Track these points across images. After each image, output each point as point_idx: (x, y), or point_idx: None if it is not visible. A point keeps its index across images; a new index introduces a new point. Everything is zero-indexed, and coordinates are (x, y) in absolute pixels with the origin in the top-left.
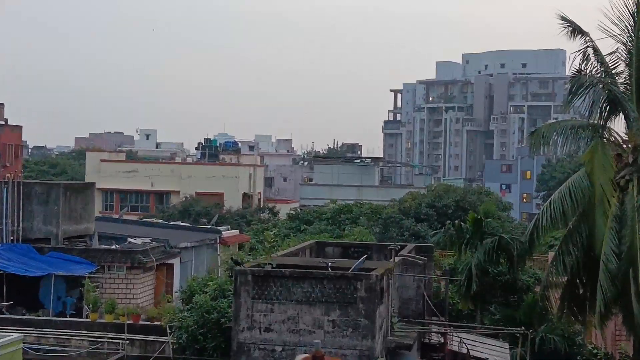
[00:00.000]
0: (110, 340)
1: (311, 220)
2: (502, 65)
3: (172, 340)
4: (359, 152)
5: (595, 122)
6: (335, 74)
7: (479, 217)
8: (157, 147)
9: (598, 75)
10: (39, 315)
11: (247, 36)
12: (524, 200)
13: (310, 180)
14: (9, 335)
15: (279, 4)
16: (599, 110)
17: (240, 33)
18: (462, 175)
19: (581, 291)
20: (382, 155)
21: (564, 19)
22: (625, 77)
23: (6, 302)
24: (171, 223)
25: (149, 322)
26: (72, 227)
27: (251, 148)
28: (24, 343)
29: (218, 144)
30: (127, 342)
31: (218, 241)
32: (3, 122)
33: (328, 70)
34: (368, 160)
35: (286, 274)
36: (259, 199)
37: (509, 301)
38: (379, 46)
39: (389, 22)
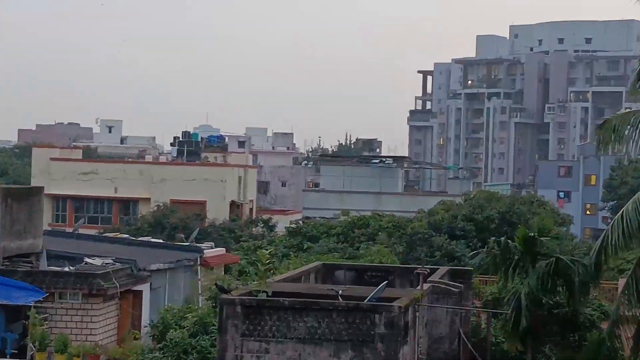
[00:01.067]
0: None
1: (317, 236)
2: (561, 41)
3: None
4: (377, 150)
5: None
6: (348, 54)
7: (531, 234)
8: (122, 143)
9: None
10: None
11: (236, 12)
12: (588, 213)
13: (316, 185)
14: None
15: None
16: None
17: (230, 8)
18: (508, 180)
19: None
20: (407, 154)
21: None
22: None
23: None
24: (139, 239)
25: None
26: (14, 243)
27: (241, 144)
28: None
29: (200, 139)
30: None
31: (199, 262)
32: None
33: (338, 51)
34: (389, 161)
35: (285, 305)
36: (251, 209)
37: (569, 340)
38: (403, 18)
39: None
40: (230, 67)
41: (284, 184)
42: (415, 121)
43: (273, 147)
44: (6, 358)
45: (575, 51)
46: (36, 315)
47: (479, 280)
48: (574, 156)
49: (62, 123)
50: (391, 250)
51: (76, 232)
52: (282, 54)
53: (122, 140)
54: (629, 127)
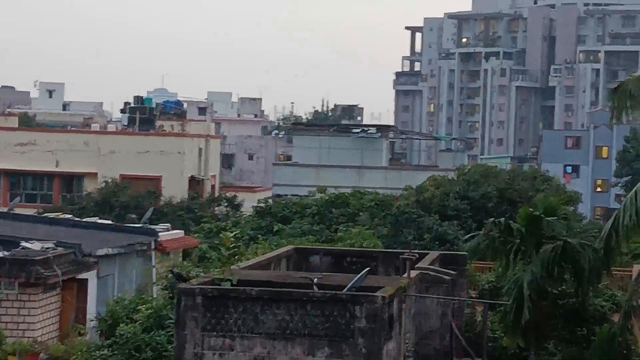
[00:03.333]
0: None
1: (289, 216)
2: None
3: None
4: (359, 117)
5: None
6: (324, 7)
7: (535, 213)
8: (64, 109)
9: None
10: None
11: None
12: (599, 189)
13: (288, 158)
14: None
15: None
16: None
17: None
18: (508, 153)
19: None
20: (392, 123)
21: None
22: None
23: None
24: (85, 220)
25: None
26: None
27: (202, 111)
28: None
29: (154, 105)
30: None
31: (153, 247)
32: None
33: (313, 4)
34: (372, 130)
35: (252, 295)
36: (213, 186)
37: (576, 335)
38: None
39: None
40: (190, 22)
41: (251, 157)
42: (402, 85)
43: (239, 115)
44: None
45: (585, 4)
46: None
47: (475, 266)
48: (583, 125)
49: None
50: (374, 233)
51: (11, 211)
52: (248, 7)
53: (65, 106)
54: None
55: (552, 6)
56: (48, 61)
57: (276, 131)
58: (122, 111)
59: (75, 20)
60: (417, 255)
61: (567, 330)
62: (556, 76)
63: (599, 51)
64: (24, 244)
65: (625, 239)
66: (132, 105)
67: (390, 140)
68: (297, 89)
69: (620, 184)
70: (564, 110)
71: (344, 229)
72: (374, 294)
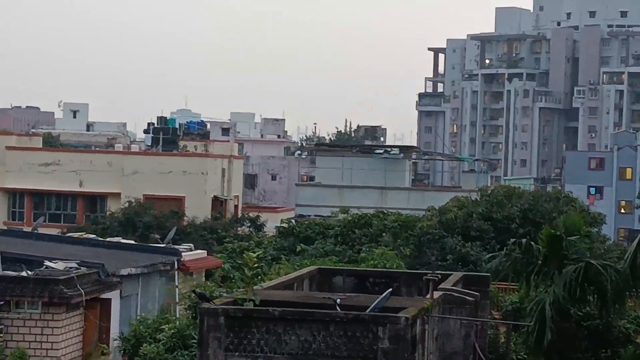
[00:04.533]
0: None
1: (312, 237)
2: (592, 14)
3: None
4: (382, 138)
5: None
6: (348, 27)
7: (558, 234)
8: (88, 130)
9: None
10: None
11: None
12: (622, 211)
13: (311, 179)
14: None
15: None
16: None
17: None
18: (532, 174)
19: None
20: (415, 144)
21: None
22: None
23: None
24: (108, 240)
25: None
26: None
27: (225, 131)
28: None
29: (177, 126)
30: None
31: (176, 267)
32: None
33: (338, 23)
34: (395, 151)
35: (275, 315)
36: (236, 206)
37: (600, 357)
38: None
39: None
40: (212, 44)
41: (274, 178)
42: (424, 106)
43: (262, 135)
44: None
45: (609, 26)
46: None
47: (498, 287)
48: (607, 147)
49: (20, 107)
50: (397, 254)
51: (35, 231)
52: (271, 26)
53: (89, 126)
54: None
55: (576, 28)
56: (72, 82)
57: (299, 152)
58: (146, 132)
59: (100, 41)
60: (440, 276)
61: (590, 352)
62: (579, 97)
63: (623, 72)
64: (47, 263)
65: None
66: (156, 125)
67: (413, 161)
68: (320, 109)
69: None
70: (587, 132)
71: (367, 249)
72: (397, 314)
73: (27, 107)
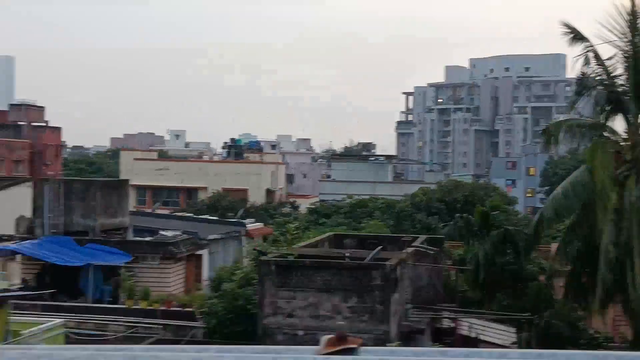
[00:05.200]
0: (145, 325)
1: (329, 214)
2: (507, 69)
3: (202, 325)
4: (373, 150)
5: (597, 121)
6: (350, 79)
7: (486, 210)
8: (186, 147)
9: (599, 78)
10: (79, 303)
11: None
12: (528, 195)
13: (329, 177)
14: (53, 321)
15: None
16: (600, 110)
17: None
18: (469, 172)
19: (583, 279)
20: (395, 154)
21: (566, 25)
22: (623, 80)
23: (49, 290)
24: (200, 217)
25: (180, 309)
26: (109, 220)
27: (273, 147)
28: (65, 328)
29: (242, 144)
30: (161, 326)
31: (243, 233)
32: (44, 124)
33: (342, 76)
34: (382, 158)
35: (307, 264)
36: (281, 195)
37: (516, 289)
38: (392, 52)
39: (400, 29)
40: (261, 87)
41: (304, 176)
42: (401, 129)
43: (296, 149)
44: (104, 304)
45: (518, 77)
46: (125, 273)
47: (449, 245)
48: (517, 154)
49: (142, 132)
50: (384, 224)
51: (154, 212)
52: (302, 77)
53: (186, 145)
54: (561, 132)
55: (496, 78)
56: (173, 113)
57: (320, 159)
58: (223, 148)
59: (190, 88)
60: (411, 238)
61: (510, 286)
62: (500, 123)
63: (527, 107)
64: (162, 232)
65: (546, 226)
66: (229, 144)
67: (393, 164)
68: (334, 132)
69: (542, 192)
70: (505, 145)
71: (365, 222)
72: (385, 263)
73: (147, 133)
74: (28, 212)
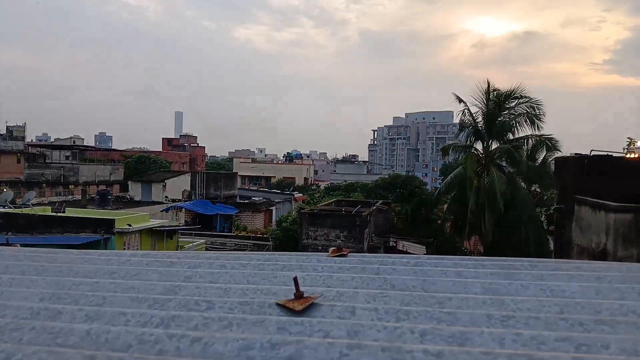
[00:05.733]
0: (244, 243)
1: (335, 190)
2: (424, 118)
3: (271, 244)
4: (357, 158)
5: (468, 144)
6: (341, 120)
7: (412, 188)
8: (265, 156)
9: (470, 121)
10: (213, 232)
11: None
12: (433, 181)
13: (334, 171)
14: (200, 240)
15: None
16: (471, 139)
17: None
18: (404, 169)
19: (459, 223)
20: (367, 160)
21: (455, 95)
22: (481, 123)
23: (198, 226)
24: (272, 190)
25: (261, 235)
26: (227, 192)
27: (307, 156)
28: (205, 244)
29: (293, 154)
30: (252, 243)
31: (292, 199)
32: (196, 145)
33: (335, 119)
34: (361, 162)
35: (323, 214)
36: (311, 180)
37: (426, 226)
38: (368, 107)
39: (370, 90)
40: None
41: (323, 171)
42: (371, 148)
43: (319, 157)
44: (225, 232)
45: (430, 122)
46: (235, 218)
47: (394, 205)
48: (429, 160)
49: (243, 149)
50: (362, 195)
51: (248, 188)
52: (315, 119)
53: (266, 155)
54: (451, 150)
55: (419, 122)
56: (258, 133)
57: (330, 163)
58: (284, 156)
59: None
60: (375, 201)
61: (424, 224)
62: (420, 145)
63: (434, 137)
64: (253, 198)
65: (442, 196)
66: (287, 154)
67: (367, 165)
68: (337, 147)
69: (440, 179)
70: (422, 156)
71: (352, 194)
72: (362, 213)
73: (243, 149)
74: (188, 188)
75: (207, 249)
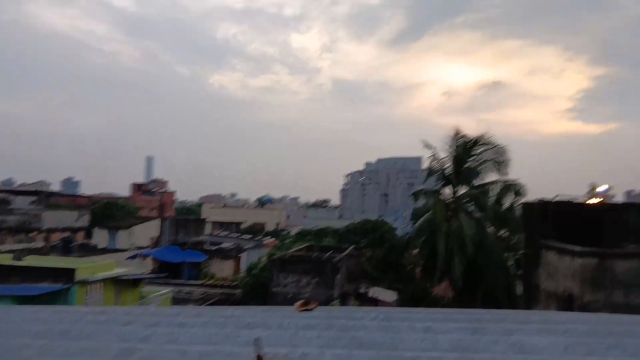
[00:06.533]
0: (212, 291)
1: (307, 234)
2: (395, 163)
3: (240, 291)
4: (329, 202)
5: (437, 189)
6: (313, 165)
7: (383, 233)
8: (236, 201)
9: (439, 167)
10: (180, 280)
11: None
12: (406, 225)
13: (306, 216)
14: (166, 289)
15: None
16: (439, 184)
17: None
18: (375, 214)
19: (430, 268)
20: (339, 204)
21: (424, 141)
22: (450, 169)
23: (163, 274)
24: (243, 236)
25: (230, 282)
26: (197, 238)
27: (279, 201)
28: (172, 293)
29: (265, 199)
30: (220, 292)
31: (264, 245)
32: (166, 190)
33: (307, 164)
34: (333, 207)
35: (294, 260)
36: (282, 225)
37: (398, 271)
38: (337, 151)
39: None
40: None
41: (293, 217)
42: (343, 194)
43: (290, 202)
44: (192, 281)
45: (401, 167)
46: (204, 265)
47: (365, 250)
48: (399, 204)
49: (211, 195)
50: (334, 240)
51: (217, 234)
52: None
53: (237, 200)
54: (421, 194)
55: (389, 168)
56: (232, 182)
57: (303, 207)
58: (255, 201)
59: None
60: (346, 247)
61: (394, 270)
62: (390, 189)
63: (404, 182)
64: (223, 244)
65: (413, 241)
66: (258, 199)
67: (339, 210)
68: (309, 192)
69: (410, 224)
70: (391, 201)
71: (324, 239)
72: (333, 259)
73: (214, 194)
74: (156, 234)
75: (173, 299)
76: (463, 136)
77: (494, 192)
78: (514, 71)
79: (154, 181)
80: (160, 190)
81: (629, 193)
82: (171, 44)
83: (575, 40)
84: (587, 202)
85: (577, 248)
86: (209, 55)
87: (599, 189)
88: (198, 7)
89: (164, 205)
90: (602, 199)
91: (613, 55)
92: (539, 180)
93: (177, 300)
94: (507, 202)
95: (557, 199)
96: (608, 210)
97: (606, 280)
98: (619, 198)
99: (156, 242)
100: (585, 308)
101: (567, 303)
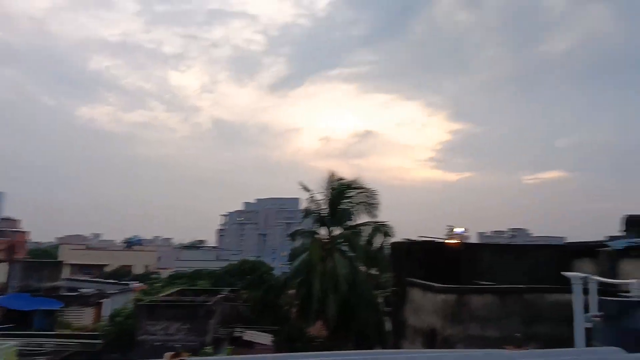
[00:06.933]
0: (68, 343)
1: (179, 278)
2: (274, 203)
3: (101, 342)
4: (205, 243)
5: (314, 230)
6: (189, 205)
7: (261, 274)
8: (101, 242)
9: (315, 208)
10: (30, 331)
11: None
12: (281, 265)
13: (178, 258)
14: (11, 342)
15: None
16: (315, 224)
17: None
18: (253, 254)
19: (306, 308)
20: (216, 245)
21: (301, 183)
22: (326, 210)
23: (9, 325)
24: (107, 280)
25: (90, 332)
26: (51, 283)
27: (149, 242)
28: (18, 347)
29: (134, 240)
30: (77, 343)
31: (131, 289)
32: (17, 229)
33: (183, 203)
34: (209, 248)
35: (163, 305)
36: (152, 268)
37: (275, 312)
38: (215, 190)
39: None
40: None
41: (165, 258)
42: (220, 234)
43: (162, 242)
44: (45, 332)
45: (279, 207)
46: (59, 314)
47: (242, 292)
48: (277, 245)
49: (71, 235)
50: (208, 282)
51: (77, 279)
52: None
53: (101, 240)
54: (298, 235)
55: (269, 208)
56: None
57: (176, 249)
58: (124, 242)
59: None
60: (222, 289)
61: (271, 311)
62: (269, 229)
63: (282, 222)
64: (83, 290)
65: (290, 282)
66: (126, 240)
67: (216, 251)
68: (184, 232)
69: (288, 265)
70: (270, 241)
71: (198, 282)
72: (207, 303)
73: (75, 234)
74: (4, 279)
75: (20, 353)
76: (338, 179)
77: (365, 232)
78: (383, 122)
79: (4, 219)
80: (11, 230)
81: (481, 234)
82: (37, 73)
83: (434, 98)
84: (447, 242)
85: (438, 285)
86: (77, 86)
87: (456, 230)
88: (69, 37)
89: (15, 247)
90: (459, 239)
91: (465, 113)
92: (406, 222)
93: (24, 355)
94: (377, 242)
95: (421, 239)
96: (465, 249)
97: (464, 314)
98: (473, 239)
99: (3, 289)
100: (446, 342)
101: (430, 338)
